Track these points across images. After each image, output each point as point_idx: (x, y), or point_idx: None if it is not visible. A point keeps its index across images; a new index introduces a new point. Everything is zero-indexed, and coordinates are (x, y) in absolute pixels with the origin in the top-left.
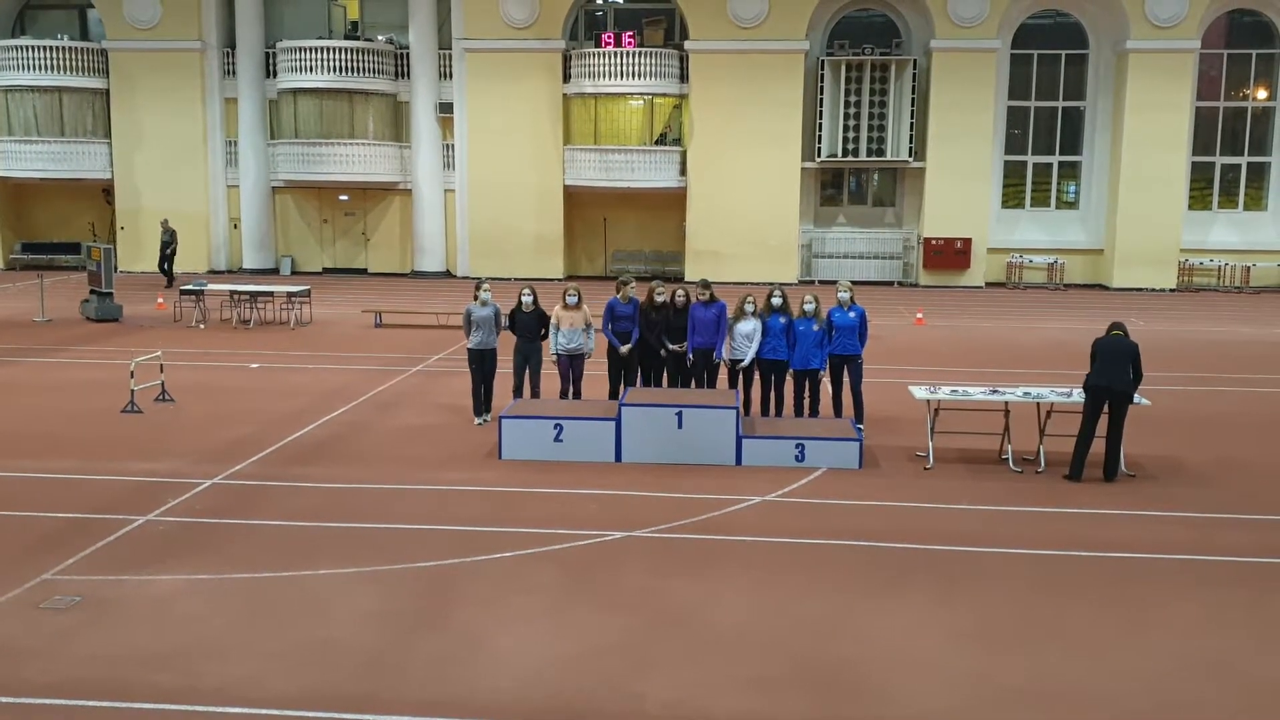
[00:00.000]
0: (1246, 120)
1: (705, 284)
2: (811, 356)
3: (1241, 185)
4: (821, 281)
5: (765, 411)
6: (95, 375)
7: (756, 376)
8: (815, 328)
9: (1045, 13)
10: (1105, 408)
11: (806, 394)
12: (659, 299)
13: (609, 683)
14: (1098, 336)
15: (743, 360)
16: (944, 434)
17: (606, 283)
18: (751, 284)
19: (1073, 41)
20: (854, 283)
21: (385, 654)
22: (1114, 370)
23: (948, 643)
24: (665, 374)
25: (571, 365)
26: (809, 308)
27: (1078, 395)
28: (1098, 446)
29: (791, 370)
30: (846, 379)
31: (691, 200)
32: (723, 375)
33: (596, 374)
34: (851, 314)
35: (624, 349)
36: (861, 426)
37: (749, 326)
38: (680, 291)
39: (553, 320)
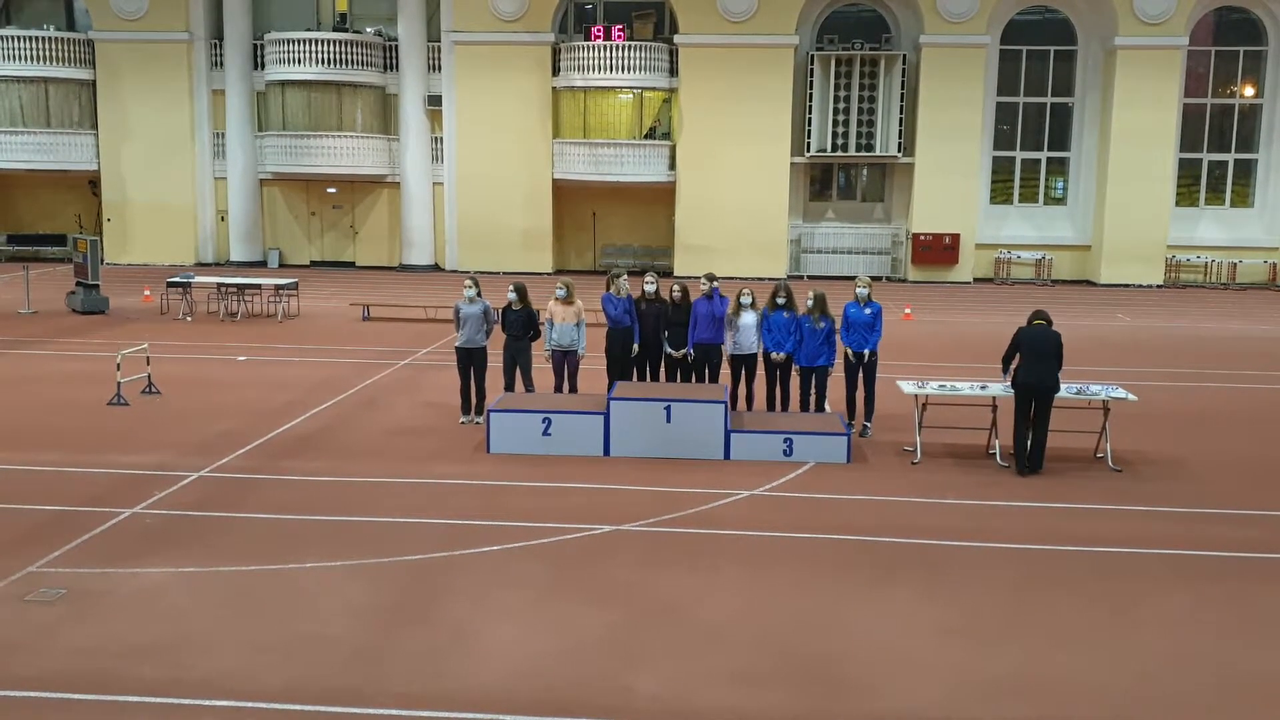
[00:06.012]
0: (1233, 117)
1: (710, 278)
2: (818, 354)
3: (1228, 182)
4: (810, 277)
5: (770, 407)
6: (81, 367)
7: (760, 371)
8: (820, 325)
9: (1034, 9)
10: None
11: (813, 390)
12: (648, 289)
13: (596, 676)
14: (1021, 326)
15: (751, 352)
16: (931, 428)
17: (596, 277)
18: (740, 279)
19: (1061, 38)
20: (841, 278)
21: (372, 648)
22: (1041, 367)
23: (934, 637)
24: (664, 369)
25: (566, 361)
26: (812, 304)
27: (1066, 390)
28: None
29: (798, 367)
30: (861, 377)
31: (680, 194)
32: (724, 371)
33: (593, 369)
34: (867, 310)
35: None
36: (869, 425)
37: (750, 319)
38: (676, 287)
39: (545, 315)
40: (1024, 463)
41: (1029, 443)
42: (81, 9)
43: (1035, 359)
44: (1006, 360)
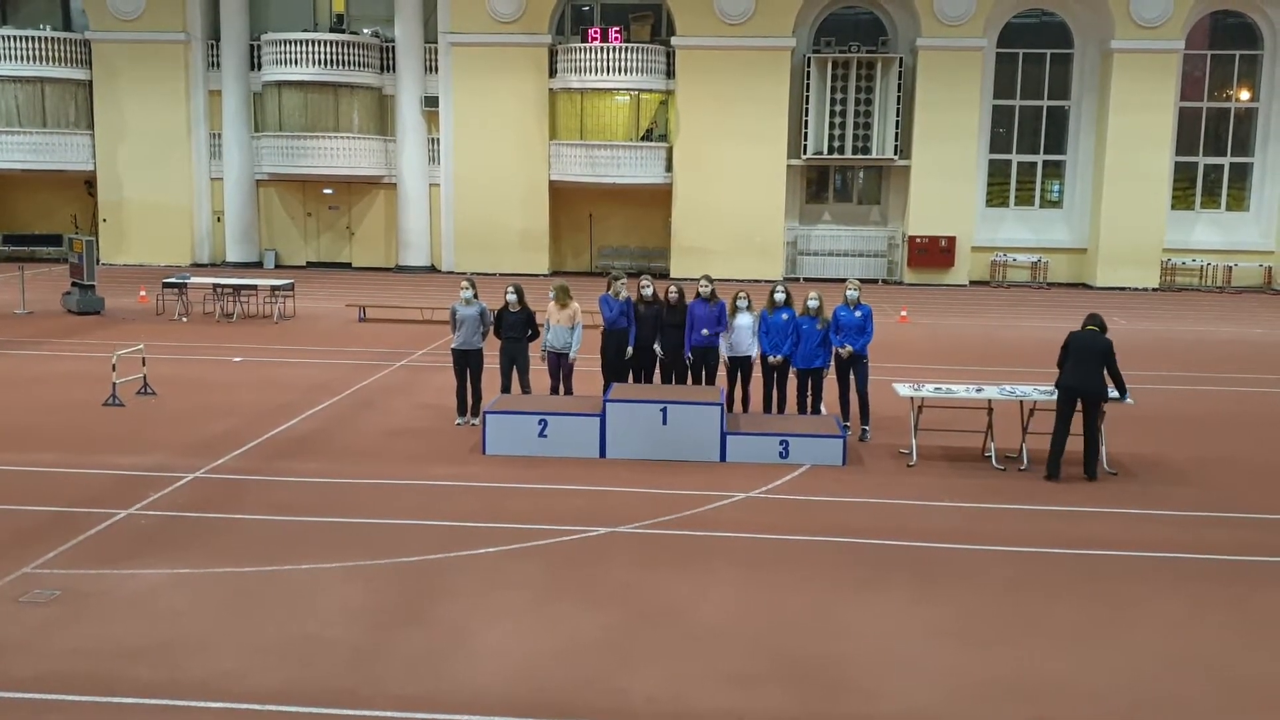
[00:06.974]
0: (1229, 121)
1: (708, 280)
2: (815, 355)
3: (1224, 185)
4: (806, 279)
5: (767, 409)
6: (77, 368)
7: (757, 373)
8: (819, 326)
9: (1031, 12)
10: (1079, 405)
11: (809, 393)
12: (645, 291)
13: (592, 678)
14: (1074, 330)
15: (747, 354)
16: (927, 431)
17: (592, 279)
18: (737, 281)
19: (1058, 41)
20: (837, 280)
21: (368, 649)
22: (1085, 371)
23: (929, 639)
24: (659, 371)
25: (561, 363)
26: (813, 305)
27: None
28: (1075, 444)
29: (794, 369)
30: (852, 379)
31: (677, 196)
32: (721, 373)
33: (589, 370)
34: (858, 313)
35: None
36: (867, 428)
37: (748, 320)
38: (673, 289)
39: (544, 316)
40: (1056, 468)
41: (1084, 450)
42: (78, 9)
43: (1078, 362)
44: (1060, 365)
